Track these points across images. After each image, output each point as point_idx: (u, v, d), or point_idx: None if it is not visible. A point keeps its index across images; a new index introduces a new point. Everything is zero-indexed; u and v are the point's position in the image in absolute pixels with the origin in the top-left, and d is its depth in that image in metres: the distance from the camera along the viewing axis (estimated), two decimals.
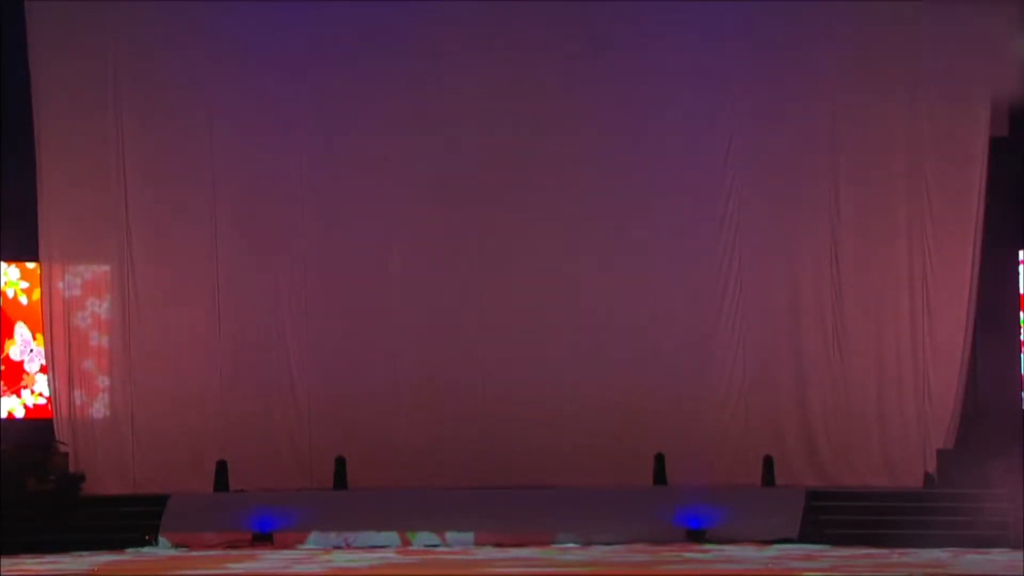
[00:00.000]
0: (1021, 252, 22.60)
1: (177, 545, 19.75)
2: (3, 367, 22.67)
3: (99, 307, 23.31)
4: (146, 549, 19.64)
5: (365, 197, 22.67)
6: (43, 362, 22.66)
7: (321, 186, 22.77)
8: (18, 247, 22.70)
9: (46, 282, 22.56)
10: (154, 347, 22.46)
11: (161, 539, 19.86)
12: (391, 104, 22.61)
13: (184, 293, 22.69)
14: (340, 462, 21.44)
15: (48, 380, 22.43)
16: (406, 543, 19.67)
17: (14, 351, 22.82)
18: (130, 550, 19.46)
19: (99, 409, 23.30)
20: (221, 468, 21.29)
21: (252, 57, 22.60)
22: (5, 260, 22.85)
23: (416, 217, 22.72)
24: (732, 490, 20.72)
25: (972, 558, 17.43)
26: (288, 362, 22.37)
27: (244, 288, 22.66)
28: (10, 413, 22.81)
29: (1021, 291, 22.63)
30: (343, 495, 20.93)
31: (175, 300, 22.64)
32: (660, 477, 21.30)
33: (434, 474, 21.67)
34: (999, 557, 17.30)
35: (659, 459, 21.60)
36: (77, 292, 23.15)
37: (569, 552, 18.83)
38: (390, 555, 18.85)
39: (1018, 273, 22.68)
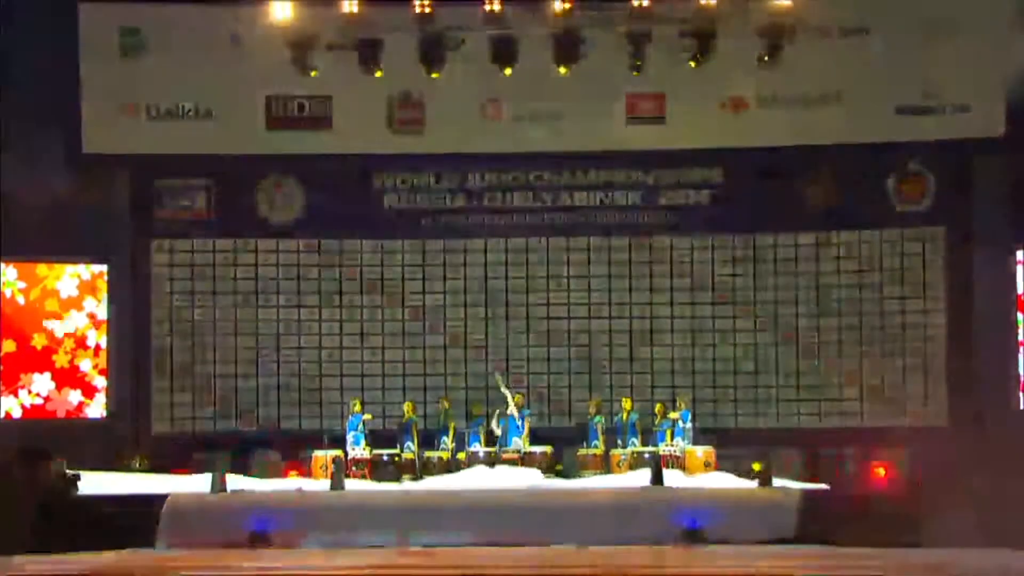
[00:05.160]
0: (1020, 252, 22.63)
1: (174, 545, 19.68)
2: (1, 367, 22.69)
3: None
4: (143, 549, 19.57)
5: None
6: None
7: None
8: (16, 247, 22.73)
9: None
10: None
11: (158, 539, 19.79)
12: None
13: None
14: (337, 462, 21.41)
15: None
16: (404, 543, 19.62)
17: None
18: (128, 550, 19.39)
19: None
20: (219, 468, 21.28)
21: None
22: (4, 260, 22.86)
23: None
24: (730, 490, 20.69)
25: (971, 558, 17.39)
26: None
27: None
28: (7, 413, 22.79)
29: (1019, 291, 22.66)
30: (341, 495, 20.87)
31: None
32: (658, 477, 21.27)
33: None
34: (999, 557, 17.26)
35: (657, 459, 21.62)
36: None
37: (567, 552, 18.78)
38: (388, 555, 18.79)
39: (1016, 273, 22.72)
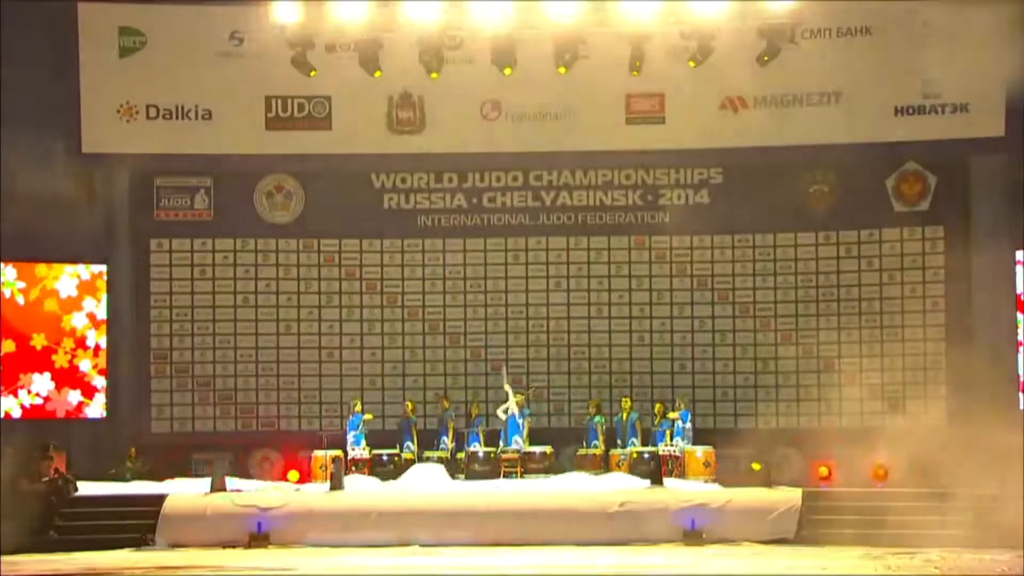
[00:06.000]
0: (1019, 252, 22.62)
1: (173, 545, 19.70)
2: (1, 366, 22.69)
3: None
4: (143, 549, 19.58)
5: None
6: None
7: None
8: (16, 247, 22.73)
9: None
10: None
11: (158, 539, 19.80)
12: None
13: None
14: (337, 462, 21.41)
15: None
16: (403, 543, 19.63)
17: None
18: (128, 550, 19.40)
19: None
20: (218, 467, 21.31)
21: None
22: (4, 260, 22.87)
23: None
24: (730, 490, 20.68)
25: (971, 558, 17.40)
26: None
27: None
28: (7, 413, 22.78)
29: (1019, 292, 22.65)
30: (340, 495, 20.87)
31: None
32: (658, 477, 21.28)
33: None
34: (999, 557, 17.27)
35: (656, 459, 21.63)
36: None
37: (567, 552, 18.79)
38: (387, 555, 18.80)
39: (1015, 274, 22.70)
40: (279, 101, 24.16)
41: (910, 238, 23.96)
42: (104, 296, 23.95)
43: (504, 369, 23.02)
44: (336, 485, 20.97)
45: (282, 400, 24.65)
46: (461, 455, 22.59)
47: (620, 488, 20.82)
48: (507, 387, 22.63)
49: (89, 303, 23.84)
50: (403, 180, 24.95)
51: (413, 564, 17.87)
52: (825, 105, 23.62)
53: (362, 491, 21.11)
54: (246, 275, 24.75)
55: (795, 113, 23.71)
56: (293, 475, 22.58)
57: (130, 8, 23.77)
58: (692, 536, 19.50)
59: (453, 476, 22.36)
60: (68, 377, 23.73)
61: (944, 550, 18.03)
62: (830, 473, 21.68)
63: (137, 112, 23.77)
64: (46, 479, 20.64)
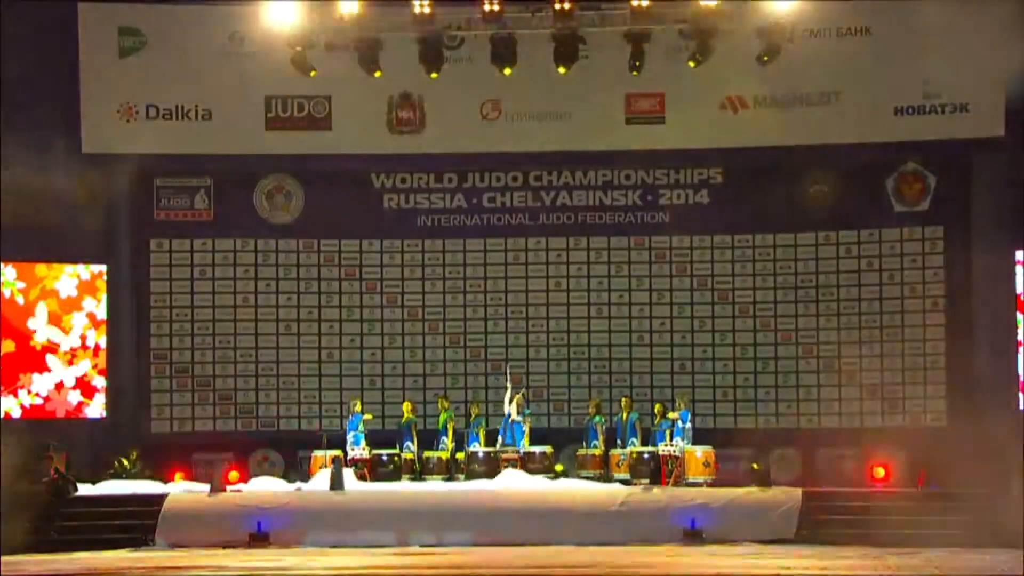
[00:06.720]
0: (1019, 252, 22.63)
1: (173, 545, 19.71)
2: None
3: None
4: (143, 549, 19.58)
5: None
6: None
7: None
8: (16, 247, 22.73)
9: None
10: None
11: (158, 539, 19.81)
12: None
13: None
14: (337, 462, 21.41)
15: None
16: (403, 543, 19.63)
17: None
18: (128, 550, 19.41)
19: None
20: (220, 467, 21.31)
21: None
22: (4, 261, 22.87)
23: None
24: (730, 490, 20.69)
25: (971, 558, 17.40)
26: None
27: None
28: (7, 413, 22.78)
29: (1018, 291, 22.65)
30: (340, 495, 20.88)
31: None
32: (657, 477, 21.29)
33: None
34: (999, 557, 17.27)
35: (656, 459, 21.63)
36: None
37: (567, 552, 18.79)
38: (387, 555, 18.80)
39: (1015, 274, 22.70)
40: (279, 101, 24.17)
41: (910, 238, 23.96)
42: (104, 296, 23.95)
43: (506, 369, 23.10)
44: (336, 485, 20.97)
45: (282, 400, 24.67)
46: (461, 455, 22.59)
47: (620, 488, 20.85)
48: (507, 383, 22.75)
49: (89, 303, 23.84)
50: (403, 180, 24.96)
51: (413, 564, 17.87)
52: (825, 105, 23.62)
53: (362, 491, 21.10)
54: (246, 275, 24.76)
55: (795, 113, 23.71)
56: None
57: (130, 8, 23.78)
58: (692, 536, 19.51)
59: (453, 476, 22.40)
60: (68, 377, 23.72)
61: (944, 550, 18.04)
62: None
63: (137, 112, 23.78)
64: (46, 479, 20.65)
